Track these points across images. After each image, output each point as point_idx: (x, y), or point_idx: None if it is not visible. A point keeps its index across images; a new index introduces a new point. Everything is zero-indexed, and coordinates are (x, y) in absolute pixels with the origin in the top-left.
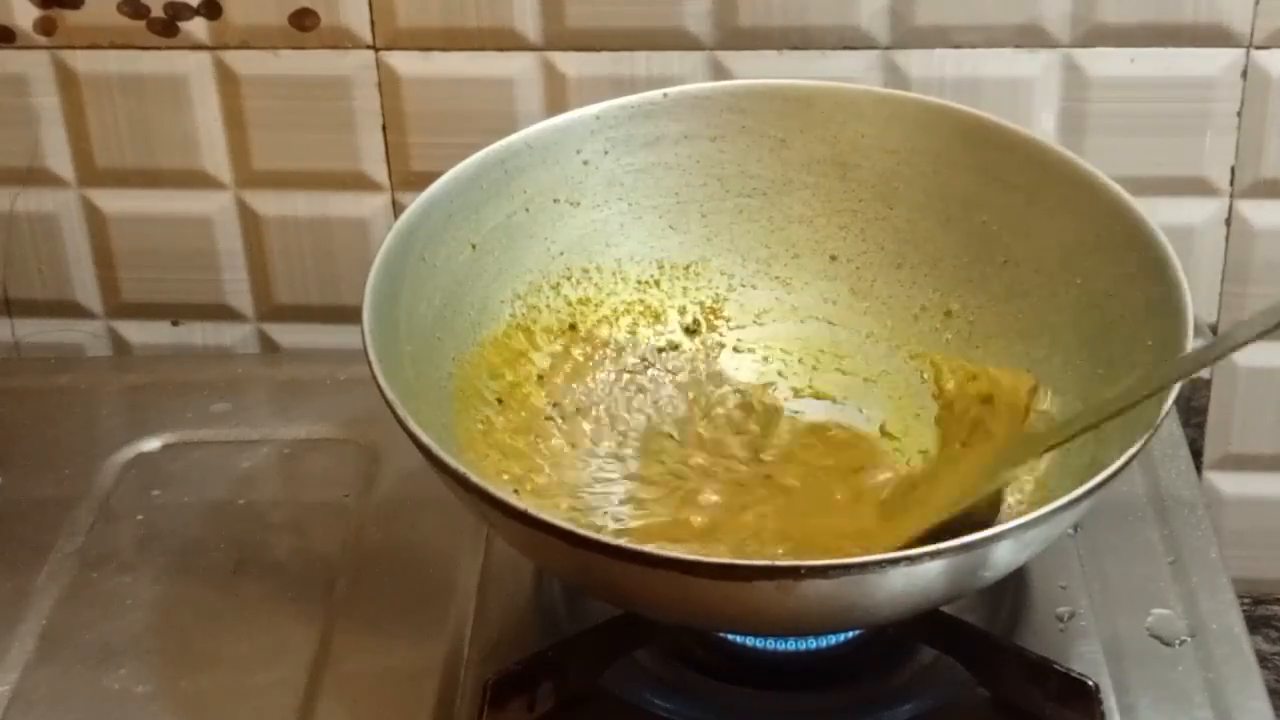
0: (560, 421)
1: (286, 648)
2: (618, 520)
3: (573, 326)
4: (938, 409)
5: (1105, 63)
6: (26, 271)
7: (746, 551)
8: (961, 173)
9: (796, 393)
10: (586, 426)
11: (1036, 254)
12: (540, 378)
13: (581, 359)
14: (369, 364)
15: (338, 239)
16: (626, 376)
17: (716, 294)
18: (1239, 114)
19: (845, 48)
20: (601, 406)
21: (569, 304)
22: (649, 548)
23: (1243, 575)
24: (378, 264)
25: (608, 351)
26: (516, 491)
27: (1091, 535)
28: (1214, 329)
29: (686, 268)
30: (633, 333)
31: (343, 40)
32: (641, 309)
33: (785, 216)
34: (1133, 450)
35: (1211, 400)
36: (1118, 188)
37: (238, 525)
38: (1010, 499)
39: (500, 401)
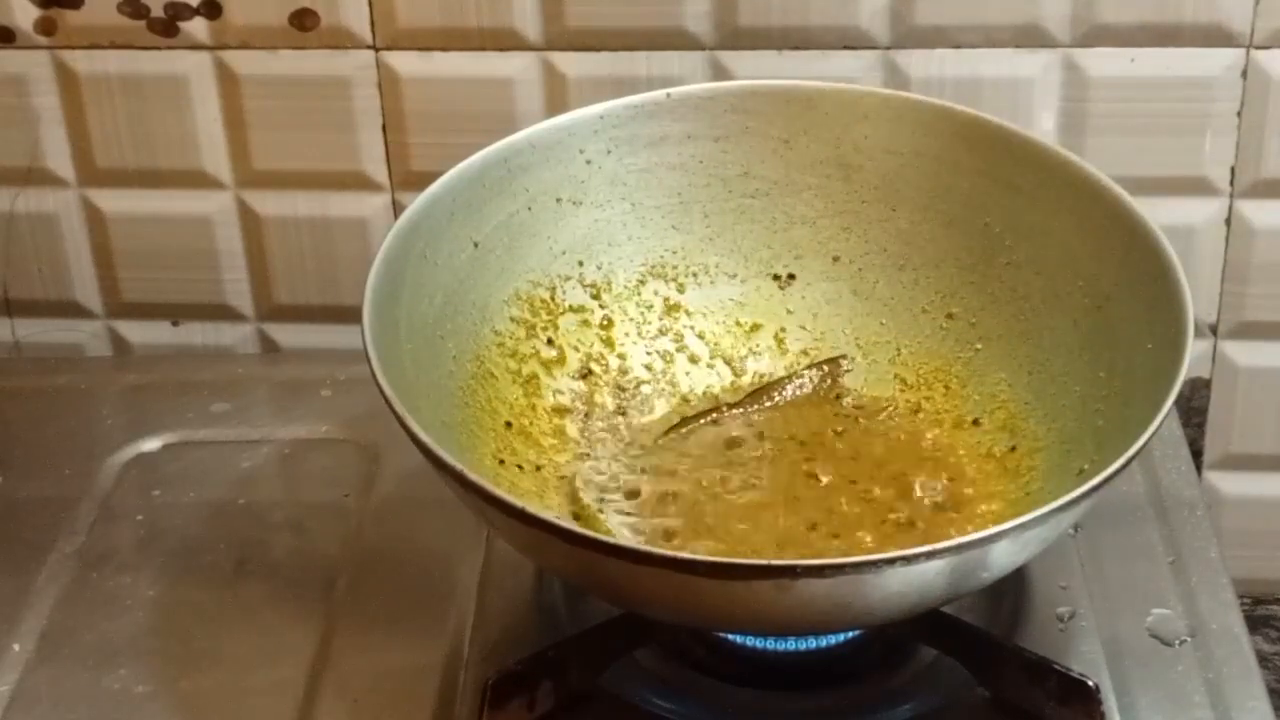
0: (562, 420)
1: (286, 648)
2: (619, 518)
3: (575, 325)
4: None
5: (1105, 63)
6: (26, 271)
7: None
8: (964, 174)
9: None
10: (589, 424)
11: (1038, 255)
12: (542, 376)
13: (583, 358)
14: (369, 363)
15: (338, 239)
16: (629, 376)
17: (719, 294)
18: (1239, 114)
19: (845, 48)
20: (603, 404)
21: (571, 303)
22: (648, 547)
23: (1243, 575)
24: (379, 261)
25: (610, 350)
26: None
27: (1091, 535)
28: (1214, 329)
29: (689, 268)
30: (634, 332)
31: (343, 40)
32: (642, 308)
33: (788, 217)
34: (1132, 450)
35: (1211, 400)
36: (1118, 188)
37: (238, 525)
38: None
39: (502, 401)
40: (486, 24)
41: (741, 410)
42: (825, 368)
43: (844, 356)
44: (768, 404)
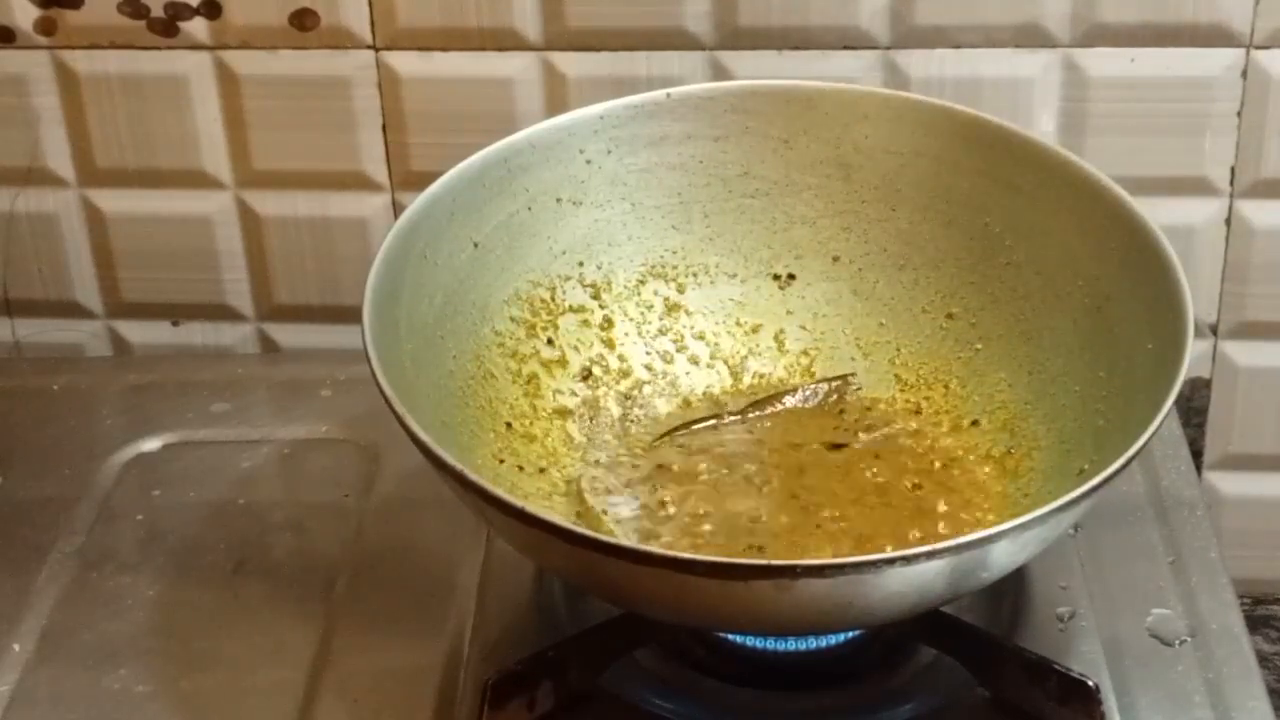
0: (563, 420)
1: (286, 648)
2: (621, 520)
3: (575, 326)
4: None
5: (1105, 63)
6: (26, 271)
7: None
8: (964, 174)
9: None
10: (589, 425)
11: (1038, 255)
12: (542, 377)
13: (584, 359)
14: (369, 363)
15: (338, 239)
16: (629, 376)
17: (719, 294)
18: (1239, 114)
19: (845, 48)
20: (603, 405)
21: (571, 303)
22: (648, 547)
23: (1243, 575)
24: (379, 261)
25: (610, 351)
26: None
27: (1091, 535)
28: (1214, 329)
29: (689, 268)
30: (634, 333)
31: (343, 40)
32: (642, 308)
33: (788, 217)
34: (1132, 450)
35: (1211, 400)
36: (1118, 188)
37: (238, 525)
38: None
39: (502, 401)
40: (486, 24)
41: (742, 416)
42: (832, 384)
43: (853, 374)
44: (769, 411)
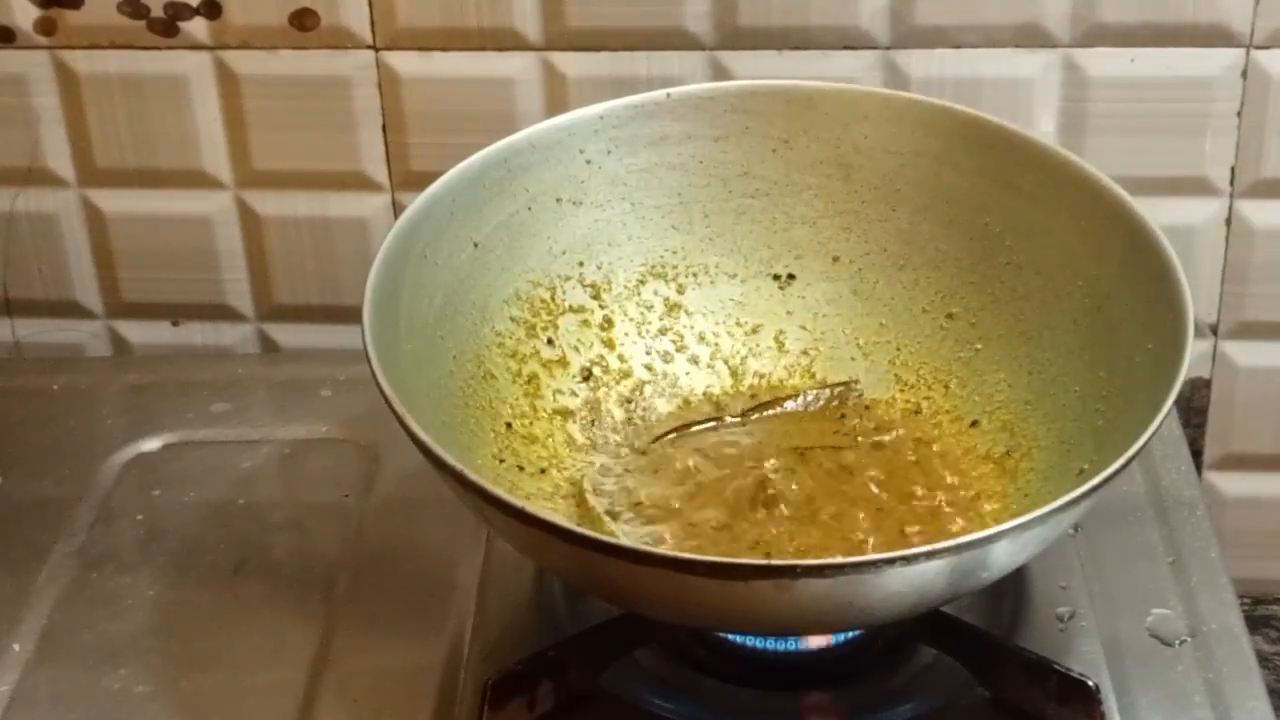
0: (564, 421)
1: (286, 648)
2: (622, 520)
3: (575, 326)
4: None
5: (1105, 63)
6: (26, 271)
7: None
8: (964, 174)
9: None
10: (590, 426)
11: (1038, 255)
12: (542, 377)
13: (584, 359)
14: (369, 363)
15: (338, 239)
16: (629, 377)
17: (719, 294)
18: (1239, 114)
19: (845, 48)
20: (604, 405)
21: (571, 303)
22: (648, 547)
23: (1243, 575)
24: (379, 260)
25: (610, 351)
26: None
27: (1091, 535)
28: (1214, 329)
29: (689, 268)
30: (634, 333)
31: (343, 40)
32: (642, 308)
33: (788, 217)
34: (1132, 450)
35: (1211, 400)
36: (1118, 188)
37: (238, 525)
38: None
39: (502, 401)
40: (486, 24)
41: (742, 419)
42: (834, 390)
43: (855, 381)
44: (770, 414)
